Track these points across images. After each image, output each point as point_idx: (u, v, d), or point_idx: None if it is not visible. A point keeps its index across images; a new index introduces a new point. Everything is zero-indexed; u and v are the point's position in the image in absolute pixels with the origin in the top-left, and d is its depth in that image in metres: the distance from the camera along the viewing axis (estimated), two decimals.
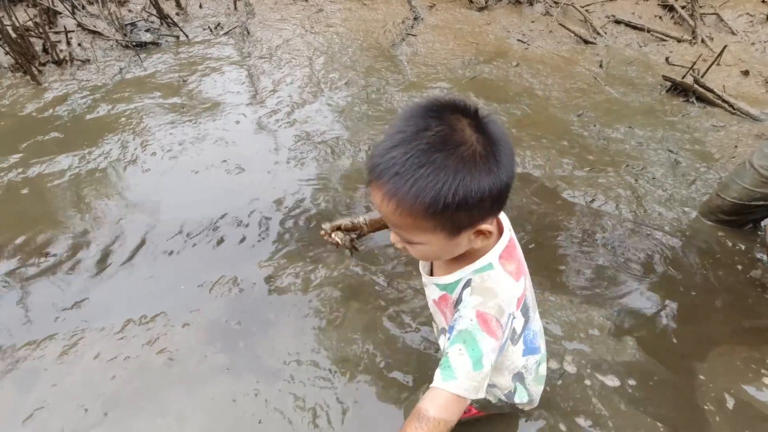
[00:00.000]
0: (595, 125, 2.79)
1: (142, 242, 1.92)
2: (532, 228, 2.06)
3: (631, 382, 1.49)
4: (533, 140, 2.63)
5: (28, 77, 2.99)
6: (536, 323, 1.13)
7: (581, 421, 1.38)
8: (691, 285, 1.84)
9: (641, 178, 2.37)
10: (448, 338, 0.91)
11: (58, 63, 3.15)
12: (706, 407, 1.43)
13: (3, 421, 1.33)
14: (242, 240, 1.96)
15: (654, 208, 2.19)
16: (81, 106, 2.79)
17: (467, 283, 0.94)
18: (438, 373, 0.89)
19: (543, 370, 1.18)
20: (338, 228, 1.36)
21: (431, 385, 0.89)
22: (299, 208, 2.12)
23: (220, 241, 1.95)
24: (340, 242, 1.34)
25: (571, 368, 1.51)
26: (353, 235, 1.37)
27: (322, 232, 1.36)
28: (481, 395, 0.89)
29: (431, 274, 1.06)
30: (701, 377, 1.52)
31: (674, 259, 1.95)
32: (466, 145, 0.78)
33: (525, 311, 1.04)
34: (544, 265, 1.89)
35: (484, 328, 0.89)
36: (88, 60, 3.24)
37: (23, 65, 2.98)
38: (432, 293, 1.06)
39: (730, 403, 1.44)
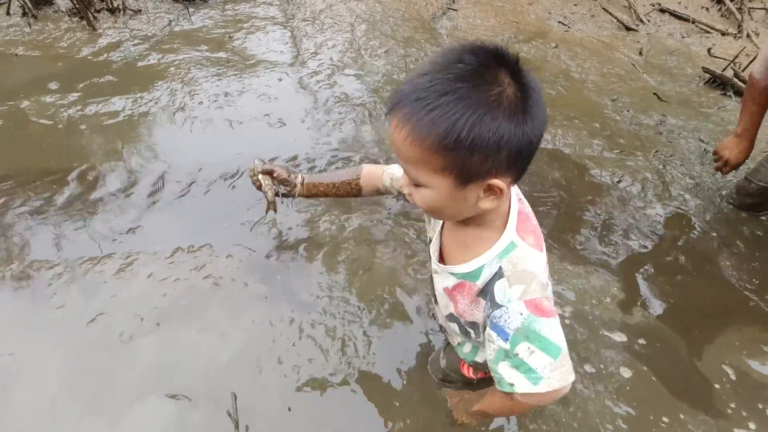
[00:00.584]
0: (628, 110, 2.82)
1: (191, 182, 2.06)
2: (557, 200, 2.14)
3: (639, 341, 1.58)
4: (566, 120, 2.68)
5: (84, 22, 3.13)
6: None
7: (588, 367, 1.49)
8: (705, 264, 1.91)
9: (669, 164, 2.42)
10: (504, 339, 0.86)
11: (112, 11, 3.29)
12: (705, 371, 1.52)
13: (72, 321, 1.50)
14: None
15: (679, 193, 2.24)
16: (133, 53, 2.93)
17: (498, 274, 0.86)
18: (522, 379, 0.85)
19: None
20: (270, 173, 1.28)
21: (515, 390, 0.86)
22: (336, 163, 2.23)
23: None
24: (263, 187, 1.25)
25: (581, 328, 1.61)
26: (281, 189, 1.29)
27: (251, 167, 1.30)
28: (572, 376, 0.87)
29: (442, 261, 0.99)
30: (705, 345, 1.61)
31: (692, 241, 2.01)
32: (496, 84, 0.72)
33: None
34: (564, 236, 1.98)
35: (539, 313, 0.84)
36: (140, 10, 3.37)
37: (81, 10, 3.12)
38: (444, 281, 0.97)
39: (730, 372, 1.53)
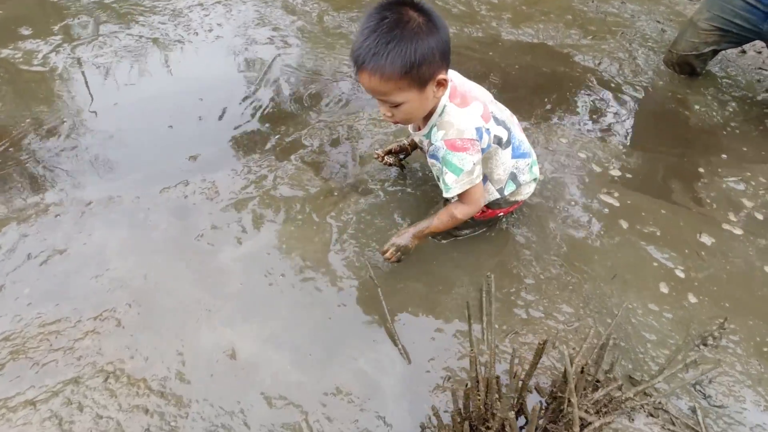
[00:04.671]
0: (593, 1, 3.12)
1: (224, 110, 2.16)
2: (544, 81, 2.45)
3: (627, 174, 1.98)
4: (543, 15, 2.94)
5: None
6: (519, 134, 1.56)
7: (572, 209, 1.88)
8: (674, 113, 2.32)
9: (635, 42, 2.77)
10: (436, 163, 1.42)
11: None
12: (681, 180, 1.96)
13: (179, 239, 1.67)
14: (297, 98, 2.24)
15: (647, 66, 2.61)
16: None
17: (435, 126, 1.39)
18: (442, 188, 1.43)
19: (536, 171, 1.63)
20: (389, 152, 1.84)
21: (444, 195, 1.44)
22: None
23: (277, 100, 2.23)
24: (392, 162, 1.84)
25: (558, 174, 1.98)
26: (401, 156, 1.88)
27: (376, 156, 1.85)
28: (478, 180, 1.41)
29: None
30: (679, 167, 2.04)
31: (663, 100, 2.41)
32: (412, 21, 1.17)
33: (500, 123, 1.47)
34: (552, 107, 2.30)
35: (452, 149, 1.35)
36: None
37: None
38: (424, 143, 1.51)
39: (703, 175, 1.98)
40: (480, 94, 1.47)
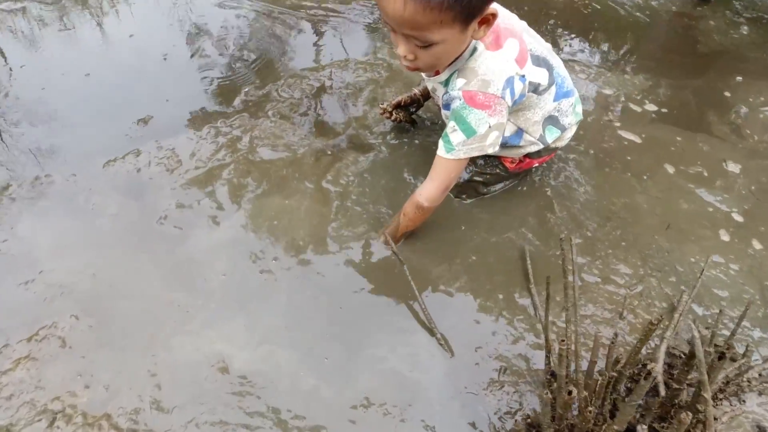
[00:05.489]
0: None
1: (179, 59, 1.74)
2: (554, 10, 2.15)
3: (647, 107, 1.74)
4: None
5: None
6: (562, 70, 1.26)
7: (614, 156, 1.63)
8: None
9: None
10: (446, 117, 1.15)
11: None
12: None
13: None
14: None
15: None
16: None
17: (456, 71, 1.11)
18: (441, 145, 1.14)
19: (579, 111, 1.35)
20: (398, 105, 1.49)
21: (437, 153, 1.15)
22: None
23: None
24: (401, 118, 1.48)
25: (587, 114, 1.71)
26: (412, 109, 1.53)
27: (381, 112, 1.49)
28: (491, 150, 1.14)
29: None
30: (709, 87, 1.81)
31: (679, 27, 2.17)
32: None
33: (540, 62, 1.16)
34: (566, 40, 2.02)
35: (470, 102, 1.08)
36: None
37: None
38: (438, 92, 1.21)
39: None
40: (514, 24, 1.15)
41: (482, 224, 1.35)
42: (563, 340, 0.79)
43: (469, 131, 1.09)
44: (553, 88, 1.21)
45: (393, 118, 1.47)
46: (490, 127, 1.09)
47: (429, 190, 1.17)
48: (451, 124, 1.11)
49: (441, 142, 1.14)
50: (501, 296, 1.21)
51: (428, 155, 1.49)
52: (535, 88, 1.16)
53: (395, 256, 1.22)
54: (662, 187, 1.49)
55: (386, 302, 1.18)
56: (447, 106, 1.13)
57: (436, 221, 1.31)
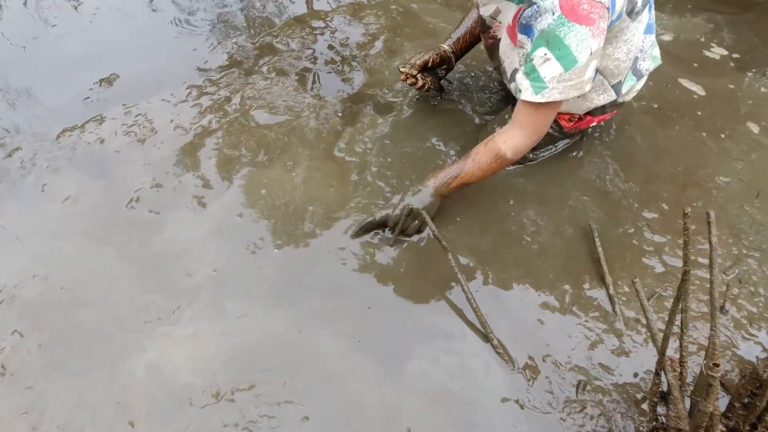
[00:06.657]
0: None
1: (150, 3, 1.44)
2: None
3: (714, 51, 1.46)
4: None
5: None
6: None
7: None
8: None
9: None
10: (529, 38, 0.83)
11: None
12: None
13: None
14: None
15: None
16: None
17: None
18: (525, 85, 0.84)
19: (657, 53, 1.07)
20: (424, 66, 1.16)
21: (520, 98, 0.86)
22: None
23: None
24: (429, 84, 1.17)
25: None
26: (441, 72, 1.20)
27: (403, 76, 1.15)
28: (588, 89, 0.85)
29: None
30: None
31: None
32: None
33: None
34: None
35: (572, 17, 0.78)
36: None
37: None
38: (507, 13, 0.94)
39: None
40: None
41: (529, 198, 1.09)
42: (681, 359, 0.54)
43: (567, 59, 0.80)
44: (646, 13, 0.92)
45: (419, 85, 1.15)
46: (591, 53, 0.80)
47: (516, 140, 0.90)
48: (539, 53, 0.81)
49: (524, 81, 0.85)
50: (568, 287, 0.95)
51: (460, 118, 1.23)
52: (631, 9, 0.88)
53: (437, 241, 0.95)
54: (745, 148, 1.23)
55: (425, 300, 0.93)
56: (527, 29, 0.83)
57: (477, 194, 1.05)
